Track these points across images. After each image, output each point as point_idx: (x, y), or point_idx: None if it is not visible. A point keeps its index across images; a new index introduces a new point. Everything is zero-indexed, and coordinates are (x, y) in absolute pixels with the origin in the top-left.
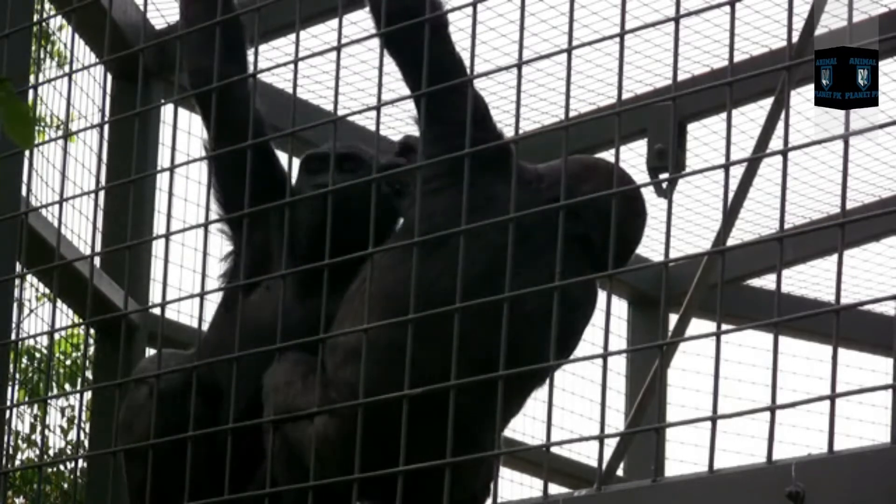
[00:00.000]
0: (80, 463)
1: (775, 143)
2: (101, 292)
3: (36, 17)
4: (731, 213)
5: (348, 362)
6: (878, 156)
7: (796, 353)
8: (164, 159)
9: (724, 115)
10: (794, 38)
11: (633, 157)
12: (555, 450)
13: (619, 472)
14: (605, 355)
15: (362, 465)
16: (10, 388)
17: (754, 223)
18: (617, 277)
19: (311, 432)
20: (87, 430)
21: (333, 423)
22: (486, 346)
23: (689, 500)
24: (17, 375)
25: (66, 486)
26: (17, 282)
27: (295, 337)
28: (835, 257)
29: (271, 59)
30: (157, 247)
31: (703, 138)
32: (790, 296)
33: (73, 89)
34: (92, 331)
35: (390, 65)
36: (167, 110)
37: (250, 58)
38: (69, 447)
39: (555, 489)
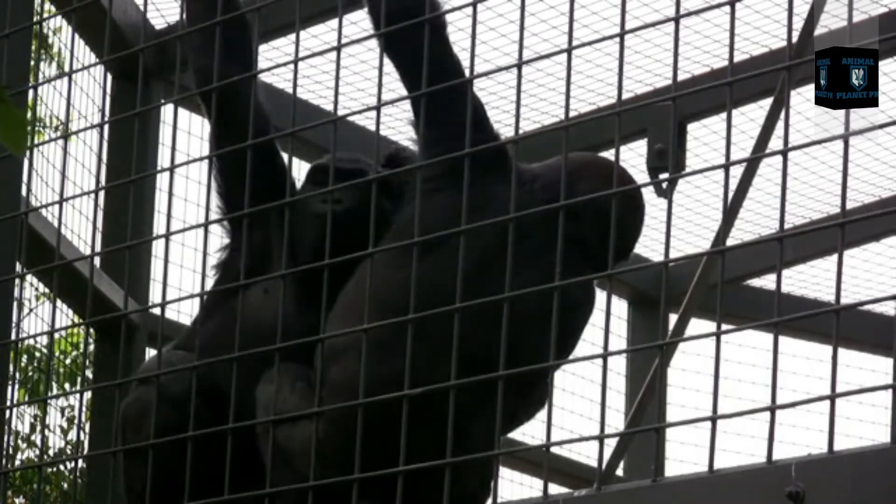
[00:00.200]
0: (80, 463)
1: (775, 143)
2: (101, 292)
3: (36, 18)
4: (730, 213)
5: (336, 361)
6: (878, 156)
7: (796, 353)
8: (164, 159)
9: (724, 115)
10: (794, 38)
11: (633, 157)
12: (555, 450)
13: (619, 472)
14: (605, 355)
15: (355, 465)
16: (9, 388)
17: (754, 223)
18: (617, 277)
19: (297, 434)
20: (87, 430)
21: (322, 423)
22: (481, 345)
23: (689, 500)
24: (17, 375)
25: (66, 486)
26: (16, 281)
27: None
28: (835, 257)
29: (271, 59)
30: (157, 247)
31: (703, 138)
32: (790, 296)
33: (73, 89)
34: (92, 331)
35: (390, 65)
36: (167, 110)
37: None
38: (69, 447)
39: (555, 489)
